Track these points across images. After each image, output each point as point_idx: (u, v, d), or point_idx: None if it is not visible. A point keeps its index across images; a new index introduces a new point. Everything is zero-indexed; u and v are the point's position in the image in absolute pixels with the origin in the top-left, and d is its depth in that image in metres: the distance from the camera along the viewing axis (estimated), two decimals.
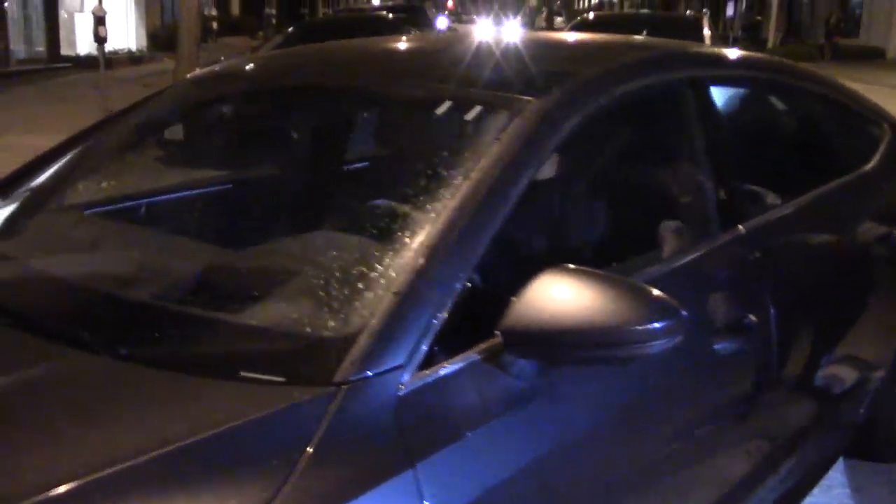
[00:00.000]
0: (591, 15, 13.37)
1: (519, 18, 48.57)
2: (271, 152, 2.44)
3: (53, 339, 1.59)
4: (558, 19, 51.36)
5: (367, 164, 2.00)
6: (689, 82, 2.32)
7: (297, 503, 1.26)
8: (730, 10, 30.96)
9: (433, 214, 1.67)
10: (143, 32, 23.13)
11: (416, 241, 1.63)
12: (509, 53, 2.25)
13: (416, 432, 1.46)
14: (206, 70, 2.47)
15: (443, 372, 1.52)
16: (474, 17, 38.96)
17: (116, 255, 1.94)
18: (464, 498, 1.46)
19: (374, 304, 1.53)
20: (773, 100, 2.94)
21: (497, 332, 1.55)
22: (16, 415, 1.40)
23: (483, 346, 1.58)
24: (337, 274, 1.66)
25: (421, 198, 1.75)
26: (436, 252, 1.59)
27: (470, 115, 1.99)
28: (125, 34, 21.89)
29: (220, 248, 1.95)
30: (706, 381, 2.05)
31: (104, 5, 13.06)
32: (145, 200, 2.44)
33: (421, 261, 1.57)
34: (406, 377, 1.47)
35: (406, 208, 1.76)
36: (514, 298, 1.55)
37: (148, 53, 21.89)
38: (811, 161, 2.87)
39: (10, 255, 1.95)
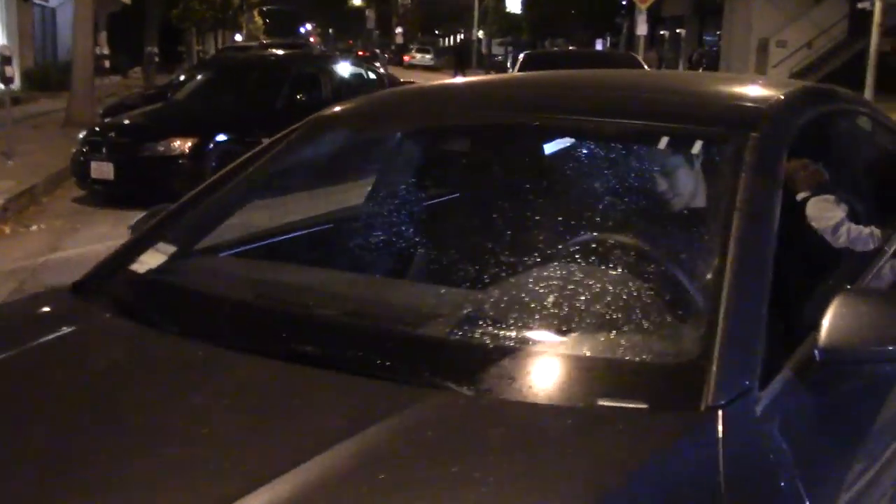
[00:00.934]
0: (539, 51, 15.19)
1: (387, 56, 49.07)
2: (486, 186, 2.48)
3: (364, 375, 1.60)
4: (427, 56, 52.16)
5: (600, 197, 2.07)
6: (837, 113, 2.53)
7: None
8: (598, 46, 32.32)
9: (718, 240, 1.76)
10: (16, 72, 22.03)
11: (717, 265, 1.71)
12: (691, 89, 2.39)
13: (783, 453, 1.55)
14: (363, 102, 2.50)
15: (777, 389, 1.62)
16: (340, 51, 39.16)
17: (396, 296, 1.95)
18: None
19: (712, 327, 1.61)
20: (866, 129, 3.19)
21: (816, 351, 1.65)
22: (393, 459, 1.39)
23: (793, 364, 1.69)
24: (650, 301, 1.73)
25: (697, 227, 1.86)
26: (747, 273, 1.69)
27: (695, 149, 2.11)
28: None
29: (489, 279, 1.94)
30: None
31: None
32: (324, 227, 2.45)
33: (737, 282, 1.66)
34: (755, 398, 1.56)
35: (684, 234, 1.86)
36: (824, 320, 1.66)
37: (24, 93, 20.87)
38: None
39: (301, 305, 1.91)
